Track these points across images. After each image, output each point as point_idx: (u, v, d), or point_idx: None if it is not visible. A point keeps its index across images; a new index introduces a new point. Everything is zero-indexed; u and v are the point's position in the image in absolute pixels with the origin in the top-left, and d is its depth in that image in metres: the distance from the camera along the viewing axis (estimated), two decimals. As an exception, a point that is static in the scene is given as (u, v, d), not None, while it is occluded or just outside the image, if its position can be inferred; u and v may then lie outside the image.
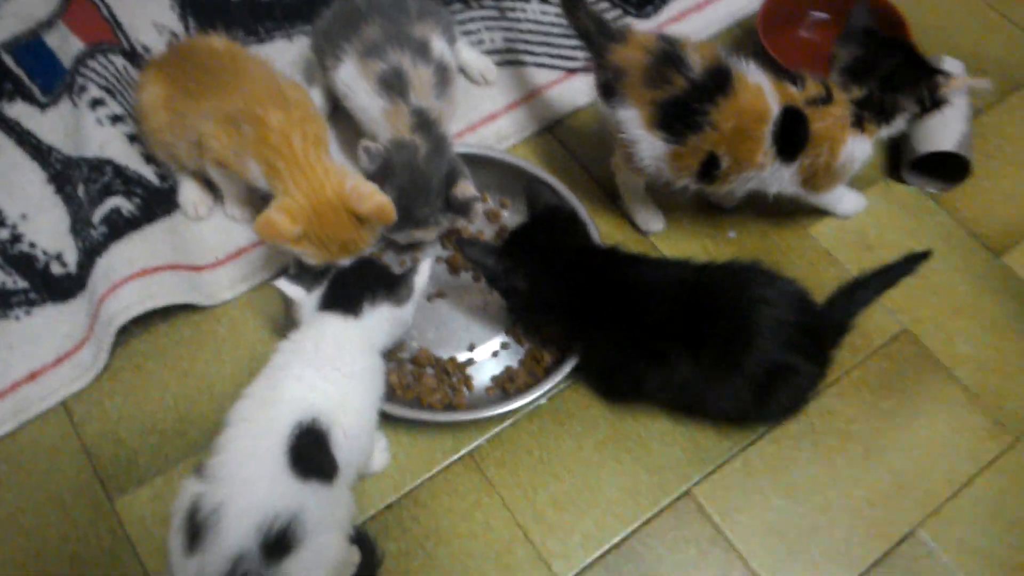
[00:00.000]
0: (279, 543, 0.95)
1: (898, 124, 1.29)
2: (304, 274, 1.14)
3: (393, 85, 1.27)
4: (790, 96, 1.21)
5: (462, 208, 1.28)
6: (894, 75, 1.26)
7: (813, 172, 1.26)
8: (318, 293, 1.13)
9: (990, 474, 1.22)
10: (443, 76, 1.32)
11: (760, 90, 1.19)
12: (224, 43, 1.30)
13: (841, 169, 1.28)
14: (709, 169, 1.23)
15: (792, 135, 1.21)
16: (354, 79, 1.31)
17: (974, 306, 1.35)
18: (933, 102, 1.27)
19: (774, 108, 1.19)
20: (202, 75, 1.23)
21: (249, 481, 0.97)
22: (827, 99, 1.23)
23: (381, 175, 1.25)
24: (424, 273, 1.16)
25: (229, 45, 1.30)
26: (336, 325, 1.10)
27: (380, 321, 1.12)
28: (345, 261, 1.21)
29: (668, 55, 1.18)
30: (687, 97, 1.17)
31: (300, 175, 1.17)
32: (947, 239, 1.42)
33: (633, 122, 1.20)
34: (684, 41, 1.21)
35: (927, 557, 1.16)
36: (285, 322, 1.29)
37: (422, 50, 1.31)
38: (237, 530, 0.94)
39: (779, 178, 1.27)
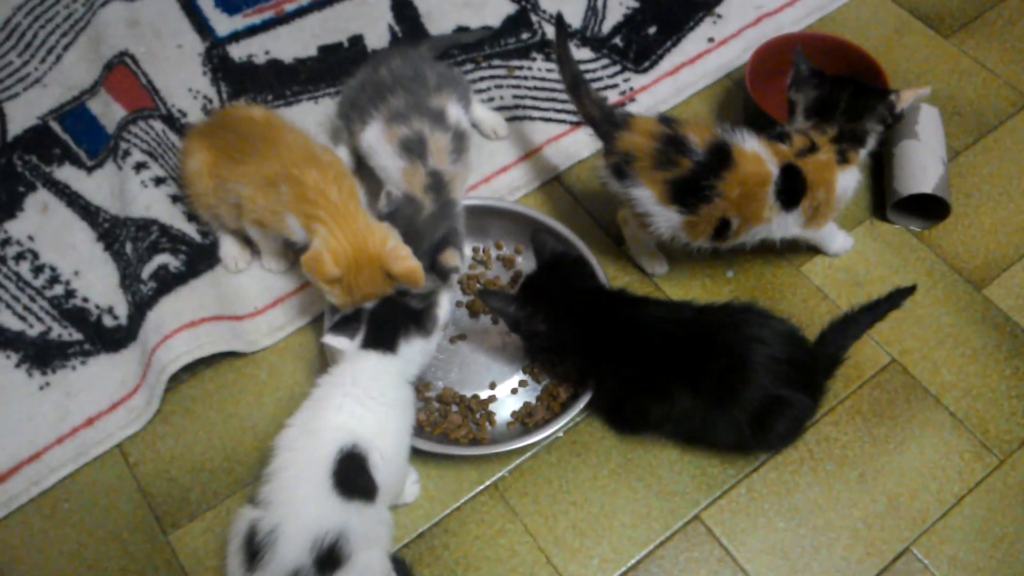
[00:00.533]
0: (330, 558, 1.05)
1: (871, 143, 1.40)
2: (344, 326, 1.23)
3: (413, 149, 1.39)
4: (783, 154, 1.33)
5: (442, 274, 1.36)
6: (854, 105, 1.37)
7: (814, 211, 1.38)
8: (358, 336, 1.22)
9: (978, 494, 1.31)
10: (459, 143, 1.43)
11: (758, 156, 1.31)
12: (262, 112, 1.41)
13: (838, 202, 1.39)
14: (722, 231, 1.35)
15: (792, 188, 1.33)
16: (378, 141, 1.42)
17: (958, 337, 1.45)
18: (893, 118, 1.39)
19: (773, 170, 1.31)
20: (242, 143, 1.34)
21: (300, 503, 1.08)
22: (812, 148, 1.35)
23: (389, 220, 1.35)
24: (444, 305, 1.26)
25: (266, 114, 1.41)
26: (374, 360, 1.19)
27: (413, 354, 1.22)
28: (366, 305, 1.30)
29: (671, 139, 1.30)
30: (694, 175, 1.29)
31: (343, 222, 1.27)
32: (931, 274, 1.52)
33: (648, 200, 1.33)
34: (683, 122, 1.33)
35: (921, 573, 1.25)
36: (321, 365, 1.40)
37: (440, 119, 1.42)
38: (293, 548, 1.05)
39: (785, 225, 1.38)
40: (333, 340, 1.20)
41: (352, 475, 1.10)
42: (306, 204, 1.28)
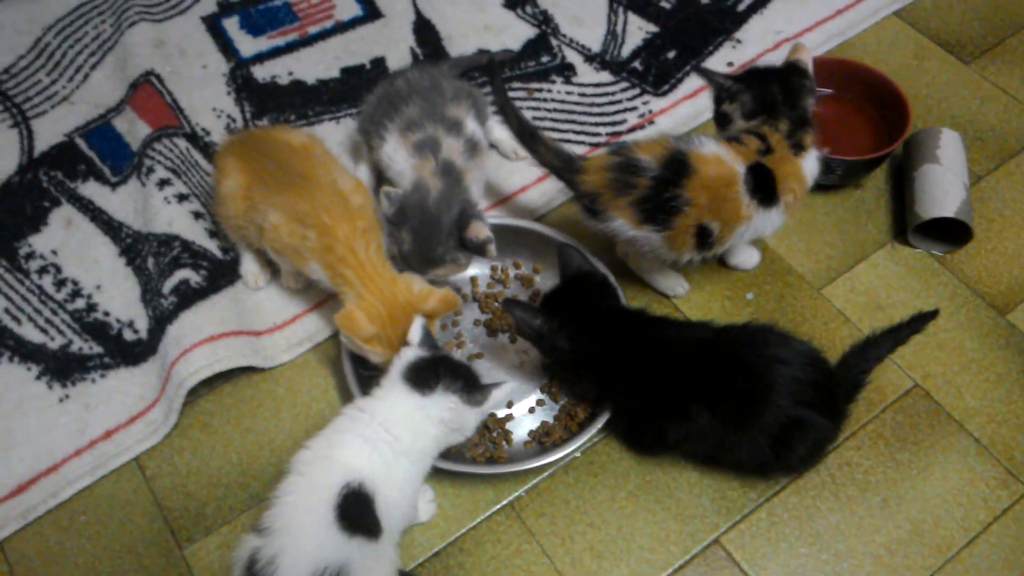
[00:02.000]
0: None
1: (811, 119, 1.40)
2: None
3: (425, 147, 1.39)
4: (747, 154, 1.33)
5: (477, 248, 1.35)
6: (789, 90, 1.37)
7: (794, 202, 1.37)
8: (415, 355, 1.19)
9: (1004, 522, 1.28)
10: (472, 148, 1.43)
11: (719, 158, 1.31)
12: (300, 139, 1.40)
13: (809, 187, 1.39)
14: (704, 238, 1.34)
15: (766, 185, 1.33)
16: (395, 150, 1.43)
17: (981, 362, 1.43)
18: (810, 79, 1.39)
19: (739, 169, 1.31)
20: (278, 171, 1.33)
21: (300, 533, 1.05)
22: (768, 148, 1.35)
23: (398, 219, 1.35)
24: (504, 391, 1.18)
25: (304, 142, 1.39)
26: (403, 398, 1.15)
27: (443, 410, 1.15)
28: None
29: (623, 165, 1.31)
30: (655, 191, 1.30)
31: (370, 281, 1.27)
32: (953, 299, 1.51)
33: (623, 227, 1.33)
34: (633, 145, 1.34)
35: (945, 601, 1.22)
36: (338, 382, 1.40)
37: (455, 127, 1.43)
38: None
39: (770, 221, 1.37)
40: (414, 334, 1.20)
41: (355, 513, 1.07)
42: (333, 258, 1.28)
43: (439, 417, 1.15)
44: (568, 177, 1.37)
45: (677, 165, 1.30)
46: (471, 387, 1.17)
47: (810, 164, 1.37)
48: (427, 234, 1.34)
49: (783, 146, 1.35)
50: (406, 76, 1.50)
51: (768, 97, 1.37)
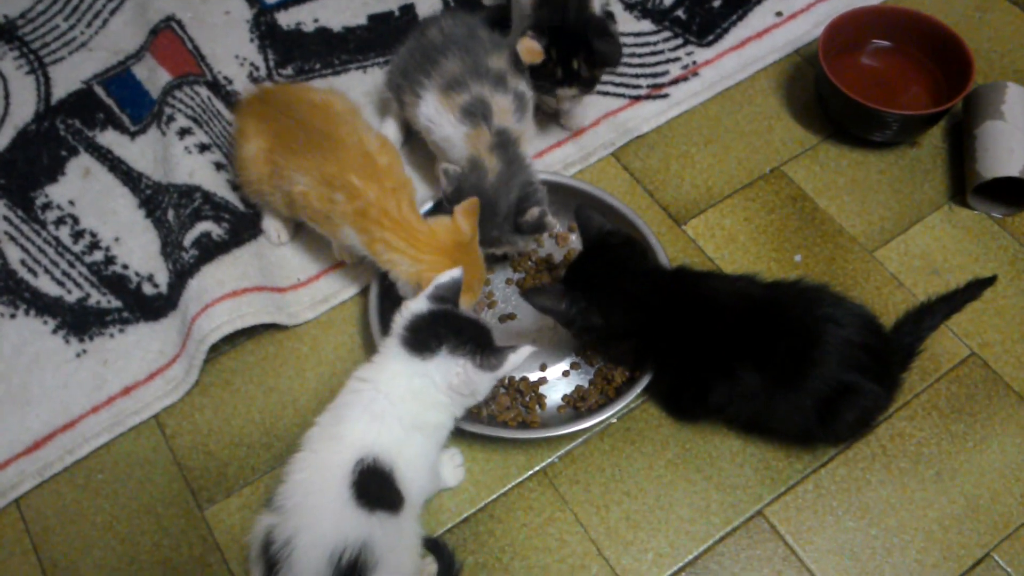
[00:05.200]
0: (352, 573, 0.97)
1: None
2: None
3: (476, 112, 1.31)
4: None
5: (534, 228, 1.29)
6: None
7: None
8: (418, 311, 1.09)
9: (1064, 499, 1.22)
10: (521, 102, 1.35)
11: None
12: (321, 96, 1.32)
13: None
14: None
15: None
16: (438, 113, 1.33)
17: (1043, 331, 1.36)
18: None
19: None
20: (301, 132, 1.26)
21: (315, 512, 1.00)
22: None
23: (455, 198, 1.29)
24: (521, 355, 1.07)
25: (325, 99, 1.32)
26: (402, 366, 1.06)
27: (449, 375, 1.05)
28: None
29: None
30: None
31: (417, 238, 1.21)
32: (1013, 263, 1.42)
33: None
34: None
35: (1003, 581, 1.16)
36: (364, 341, 1.34)
37: (501, 81, 1.34)
38: (309, 562, 0.97)
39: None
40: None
41: (374, 488, 1.01)
42: (367, 222, 1.22)
43: (446, 383, 1.05)
44: None
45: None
46: (483, 349, 1.06)
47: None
48: (483, 217, 1.27)
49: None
50: (439, 24, 1.40)
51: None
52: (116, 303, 1.37)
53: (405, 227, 1.22)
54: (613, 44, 1.37)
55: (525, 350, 1.08)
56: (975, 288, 1.35)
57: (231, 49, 1.66)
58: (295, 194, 1.27)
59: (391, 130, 1.51)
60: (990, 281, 1.36)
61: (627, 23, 1.69)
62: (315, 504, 1.00)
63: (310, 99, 1.32)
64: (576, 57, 1.36)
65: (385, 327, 1.27)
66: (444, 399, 1.07)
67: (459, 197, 1.28)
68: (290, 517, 1.00)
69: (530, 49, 1.32)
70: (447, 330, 1.06)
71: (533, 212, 1.28)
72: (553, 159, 1.53)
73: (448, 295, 1.11)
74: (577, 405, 1.29)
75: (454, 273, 1.12)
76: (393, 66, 1.46)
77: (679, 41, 1.67)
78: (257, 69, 1.64)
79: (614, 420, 1.28)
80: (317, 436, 1.06)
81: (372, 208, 1.22)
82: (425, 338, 1.06)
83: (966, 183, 1.47)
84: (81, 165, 1.53)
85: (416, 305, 1.09)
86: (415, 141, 1.50)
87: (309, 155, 1.25)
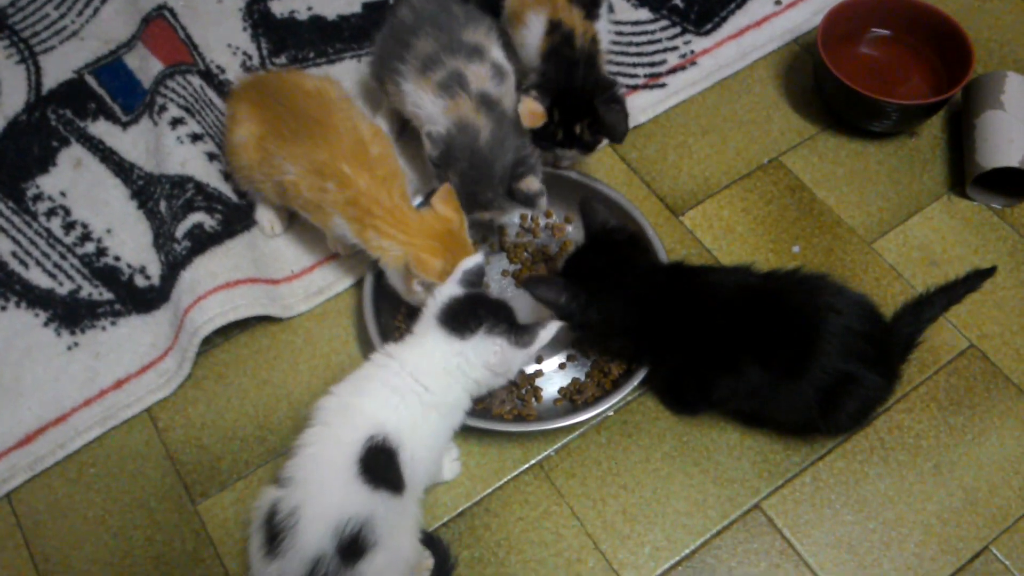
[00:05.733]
0: (354, 546, 0.97)
1: None
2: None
3: (451, 85, 1.28)
4: None
5: (527, 200, 1.27)
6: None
7: None
8: (451, 294, 1.11)
9: (1063, 491, 1.21)
10: (500, 73, 1.32)
11: None
12: (313, 83, 1.31)
13: None
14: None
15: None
16: (418, 95, 1.31)
17: (1043, 322, 1.35)
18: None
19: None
20: (293, 120, 1.25)
21: (323, 485, 1.00)
22: None
23: (444, 161, 1.26)
24: (550, 331, 1.11)
25: (318, 86, 1.30)
26: (440, 344, 1.09)
27: (487, 353, 1.08)
28: None
29: None
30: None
31: (408, 225, 1.20)
32: (1013, 255, 1.41)
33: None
34: None
35: (1001, 574, 1.15)
36: (358, 333, 1.33)
37: (476, 52, 1.31)
38: (315, 532, 0.97)
39: None
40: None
41: (380, 466, 1.01)
42: (358, 211, 1.20)
43: (482, 362, 1.08)
44: None
45: None
46: (516, 327, 1.10)
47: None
48: (477, 177, 1.25)
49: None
50: (410, 2, 1.36)
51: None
52: (108, 295, 1.36)
53: (396, 214, 1.20)
54: (620, 115, 1.31)
55: (554, 325, 1.12)
56: (974, 279, 1.34)
57: (224, 38, 1.64)
58: (286, 183, 1.26)
59: (383, 125, 1.49)
60: (989, 272, 1.35)
61: (625, 11, 1.67)
62: (324, 477, 1.01)
63: (303, 86, 1.31)
64: (580, 122, 1.32)
65: (380, 319, 1.28)
66: (476, 375, 1.09)
67: (449, 160, 1.26)
68: (298, 488, 1.00)
69: (532, 112, 1.27)
70: (485, 311, 1.09)
71: (532, 184, 1.25)
72: (549, 149, 1.51)
73: (475, 279, 1.14)
74: (574, 398, 1.28)
75: (477, 259, 1.16)
76: (374, 56, 1.44)
77: (677, 30, 1.65)
78: (250, 58, 1.62)
79: (611, 413, 1.27)
80: (332, 408, 1.06)
81: (363, 197, 1.20)
82: (464, 319, 1.09)
83: (965, 173, 1.46)
84: (72, 156, 1.51)
85: (448, 289, 1.12)
86: (409, 134, 1.48)
87: (300, 143, 1.24)
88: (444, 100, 1.29)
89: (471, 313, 1.09)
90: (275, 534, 0.98)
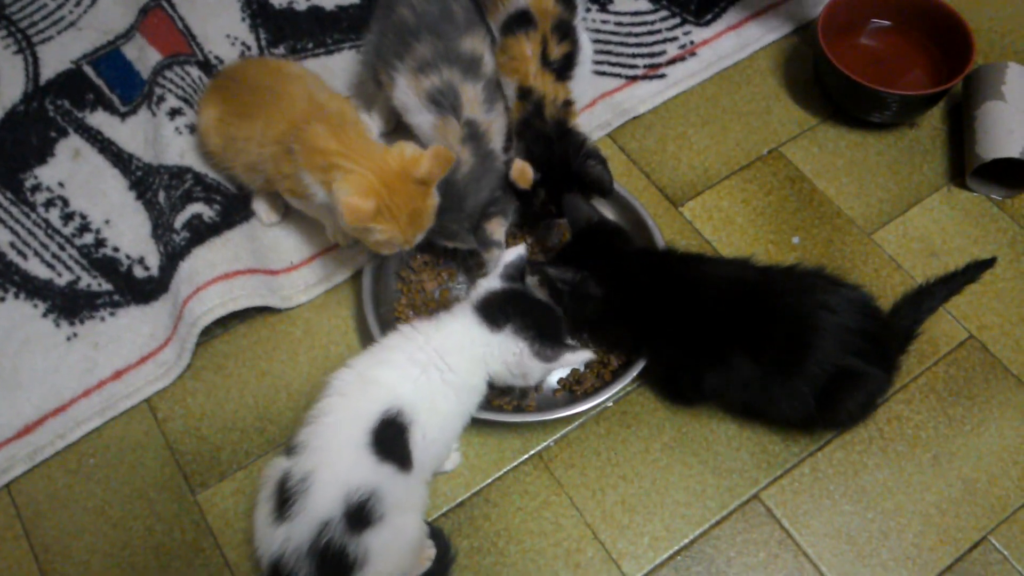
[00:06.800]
0: (361, 515, 0.98)
1: None
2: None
3: (443, 103, 1.27)
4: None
5: (482, 243, 1.26)
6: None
7: None
8: (492, 287, 1.13)
9: (1062, 482, 1.21)
10: (493, 92, 1.32)
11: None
12: (275, 61, 1.32)
13: None
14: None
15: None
16: (406, 93, 1.30)
17: (1042, 313, 1.35)
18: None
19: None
20: (249, 96, 1.26)
21: (336, 453, 1.01)
22: None
23: None
24: (579, 358, 1.12)
25: (278, 63, 1.32)
26: (472, 329, 1.10)
27: (507, 352, 1.09)
28: (416, 239, 1.20)
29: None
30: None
31: (359, 157, 1.17)
32: (1012, 246, 1.41)
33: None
34: None
35: (1000, 564, 1.15)
36: (358, 324, 1.33)
37: (472, 67, 1.30)
38: (325, 498, 0.98)
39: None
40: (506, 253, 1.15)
41: (389, 440, 1.02)
42: (318, 155, 1.19)
43: (502, 358, 1.09)
44: None
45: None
46: (545, 338, 1.10)
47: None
48: (447, 207, 1.24)
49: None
50: (411, 3, 1.33)
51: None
52: (107, 286, 1.36)
53: (353, 149, 1.18)
54: (602, 168, 1.27)
55: (584, 355, 1.12)
56: (974, 270, 1.34)
57: (222, 28, 1.63)
58: (255, 161, 1.26)
59: (376, 122, 1.48)
60: (989, 263, 1.35)
61: (624, 2, 1.67)
62: (338, 445, 1.02)
63: (264, 63, 1.33)
64: (569, 192, 1.28)
65: (379, 310, 1.27)
66: (496, 368, 1.10)
67: None
68: (312, 455, 1.01)
69: (522, 171, 1.25)
70: (515, 311, 1.10)
71: (495, 230, 1.25)
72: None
73: (515, 272, 1.14)
74: (573, 388, 1.28)
75: (519, 250, 1.16)
76: (368, 46, 1.42)
77: (676, 20, 1.64)
78: (249, 48, 1.61)
79: (610, 404, 1.27)
80: (350, 379, 1.07)
81: (320, 140, 1.18)
82: (495, 313, 1.10)
83: (965, 164, 1.45)
84: (71, 146, 1.50)
85: (488, 283, 1.14)
86: (403, 130, 1.47)
87: (258, 116, 1.25)
88: (432, 115, 1.28)
89: (501, 309, 1.10)
90: (286, 499, 0.99)
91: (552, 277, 1.20)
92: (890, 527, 1.18)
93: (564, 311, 1.19)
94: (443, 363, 1.07)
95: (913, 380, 1.29)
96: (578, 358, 1.12)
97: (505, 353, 1.09)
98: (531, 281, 1.26)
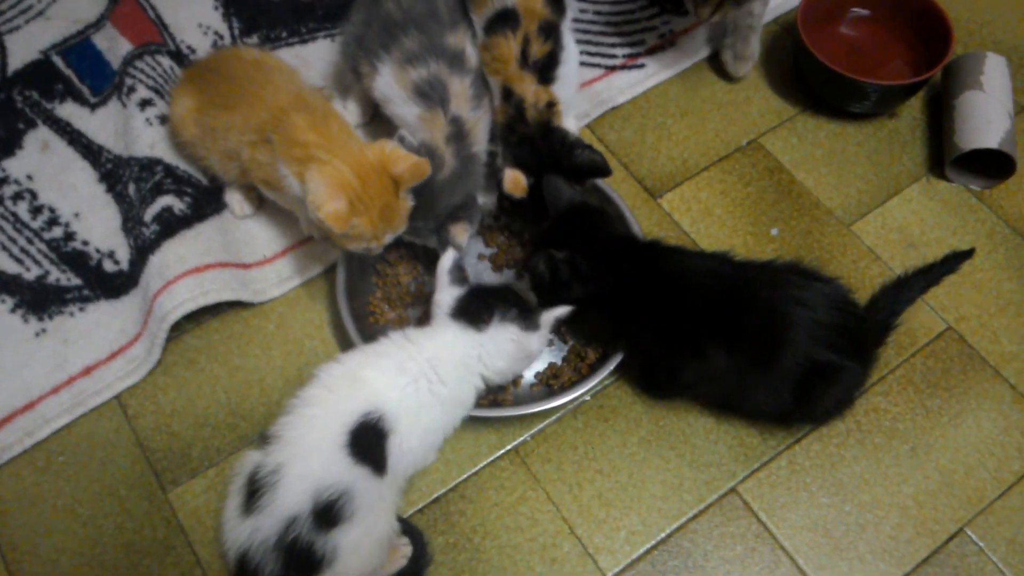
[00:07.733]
0: (329, 513, 0.97)
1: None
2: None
3: (431, 96, 1.25)
4: None
5: (443, 245, 1.23)
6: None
7: None
8: (454, 296, 1.12)
9: (1039, 473, 1.21)
10: (479, 87, 1.30)
11: None
12: (252, 53, 1.30)
13: None
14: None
15: None
16: (390, 85, 1.28)
17: (1020, 304, 1.34)
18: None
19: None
20: (228, 87, 1.24)
21: (310, 448, 1.00)
22: None
23: None
24: (562, 311, 1.14)
25: (257, 55, 1.30)
26: (459, 338, 1.09)
27: (504, 342, 1.09)
28: (388, 238, 1.18)
29: None
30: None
31: (337, 149, 1.16)
32: (991, 237, 1.41)
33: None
34: None
35: (976, 556, 1.15)
36: (332, 318, 1.31)
37: (458, 60, 1.28)
38: (294, 492, 0.97)
39: None
40: (445, 294, 1.12)
41: (366, 444, 1.01)
42: (296, 148, 1.17)
43: (502, 350, 1.09)
44: None
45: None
46: (524, 312, 1.11)
47: None
48: (418, 205, 1.21)
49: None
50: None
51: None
52: (76, 280, 1.33)
53: (329, 140, 1.17)
54: (592, 152, 1.25)
55: (563, 308, 1.14)
56: (952, 261, 1.34)
57: (194, 17, 1.61)
58: (246, 159, 1.23)
59: (353, 111, 1.46)
60: (968, 254, 1.34)
61: (603, -9, 1.65)
62: (314, 440, 1.00)
63: (239, 55, 1.31)
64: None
65: (353, 305, 1.26)
66: (494, 369, 1.10)
67: None
68: (286, 447, 0.99)
69: (516, 180, 1.24)
70: (489, 304, 1.10)
71: (460, 235, 1.23)
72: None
73: (462, 274, 1.15)
74: (550, 382, 1.27)
75: (452, 254, 1.16)
76: (348, 37, 1.39)
77: (655, 10, 1.63)
78: (221, 38, 1.59)
79: (587, 398, 1.26)
80: (337, 374, 1.05)
81: (300, 132, 1.17)
82: (477, 311, 1.10)
83: (944, 155, 1.45)
84: (39, 138, 1.47)
85: (448, 293, 1.12)
86: (379, 120, 1.45)
87: (237, 108, 1.23)
88: (419, 108, 1.26)
89: (482, 305, 1.10)
90: (255, 490, 0.98)
91: (548, 259, 1.17)
92: (867, 519, 1.18)
93: (551, 291, 1.18)
94: (434, 375, 1.06)
95: (891, 372, 1.29)
96: (559, 312, 1.13)
97: (501, 344, 1.09)
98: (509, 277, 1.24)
